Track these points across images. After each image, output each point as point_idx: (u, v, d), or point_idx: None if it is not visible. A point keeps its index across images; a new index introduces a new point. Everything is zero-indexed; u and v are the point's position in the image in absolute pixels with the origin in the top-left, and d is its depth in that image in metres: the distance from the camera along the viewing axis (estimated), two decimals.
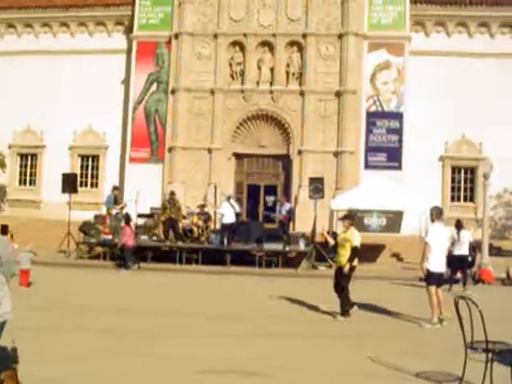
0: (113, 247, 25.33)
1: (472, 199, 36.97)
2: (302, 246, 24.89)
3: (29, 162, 40.10)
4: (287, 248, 24.85)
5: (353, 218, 14.94)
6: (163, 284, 20.85)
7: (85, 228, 26.39)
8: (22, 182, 40.28)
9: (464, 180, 37.24)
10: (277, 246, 24.45)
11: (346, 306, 14.24)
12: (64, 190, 26.59)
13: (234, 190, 36.45)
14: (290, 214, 26.26)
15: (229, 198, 27.01)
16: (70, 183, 25.92)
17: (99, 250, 26.43)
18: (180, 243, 26.01)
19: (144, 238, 28.05)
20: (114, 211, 26.56)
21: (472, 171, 37.04)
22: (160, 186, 36.38)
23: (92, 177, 39.37)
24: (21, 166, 40.29)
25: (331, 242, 15.38)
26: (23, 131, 39.73)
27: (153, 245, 25.84)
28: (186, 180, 36.07)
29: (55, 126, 38.32)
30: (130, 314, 14.42)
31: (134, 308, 15.41)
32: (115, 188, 27.52)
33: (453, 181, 37.24)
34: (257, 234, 27.18)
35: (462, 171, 37.21)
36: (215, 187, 29.57)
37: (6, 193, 39.49)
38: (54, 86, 38.54)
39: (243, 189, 36.48)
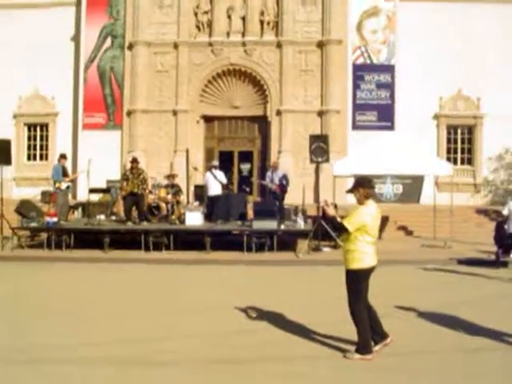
0: (60, 232, 18.65)
1: (470, 161, 30.97)
2: (300, 222, 18.42)
3: None
4: (283, 226, 18.36)
5: (370, 184, 8.18)
6: (106, 284, 14.34)
7: (22, 209, 19.49)
8: None
9: (461, 140, 31.11)
10: (270, 224, 17.93)
11: (362, 336, 7.87)
12: None
13: (203, 158, 30.02)
14: (285, 183, 19.72)
15: (214, 167, 20.75)
16: (1, 153, 18.99)
17: (44, 235, 19.68)
18: (145, 224, 19.43)
19: (100, 217, 21.36)
20: (63, 185, 19.84)
21: (470, 130, 30.95)
22: (119, 155, 29.78)
23: (41, 148, 32.38)
24: None
25: (331, 212, 8.19)
26: None
27: (110, 228, 19.09)
28: (149, 148, 29.47)
29: None
30: None
31: None
32: (62, 156, 20.66)
33: (448, 141, 31.09)
34: (240, 210, 20.74)
35: (459, 130, 31.05)
36: (187, 154, 22.82)
37: None
38: None
39: (214, 156, 29.81)
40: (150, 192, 20.82)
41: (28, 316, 10.47)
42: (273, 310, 10.49)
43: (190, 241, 19.10)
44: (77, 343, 8.72)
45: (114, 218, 21.62)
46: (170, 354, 8.22)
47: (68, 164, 27.80)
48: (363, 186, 7.92)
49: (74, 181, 20.35)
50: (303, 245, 18.24)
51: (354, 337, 7.92)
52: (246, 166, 30.60)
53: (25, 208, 19.43)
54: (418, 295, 12.17)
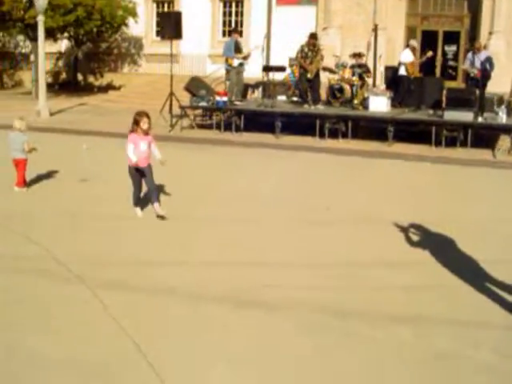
0: (229, 113, 16.65)
1: None
2: (502, 116, 14.84)
3: (165, 10, 31.43)
4: (480, 119, 14.92)
5: None
6: (268, 175, 12.03)
7: (191, 87, 17.54)
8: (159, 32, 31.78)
9: None
10: (464, 116, 14.59)
11: None
12: (163, 36, 17.68)
13: (404, 36, 26.34)
14: (489, 67, 15.88)
15: (408, 47, 17.89)
16: (170, 25, 16.88)
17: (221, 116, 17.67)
18: (321, 107, 16.81)
19: (281, 98, 19.11)
20: (235, 62, 17.60)
21: None
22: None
23: (236, 24, 30.18)
24: (157, 14, 31.70)
25: None
26: None
27: (282, 110, 16.64)
28: (345, 25, 26.24)
29: None
30: None
31: None
32: (235, 31, 18.39)
33: None
34: (434, 97, 17.35)
35: None
36: (375, 31, 19.47)
37: (142, 46, 31.29)
38: None
39: (417, 36, 25.90)
40: (333, 72, 18.08)
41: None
42: (442, 232, 7.67)
43: (371, 129, 16.35)
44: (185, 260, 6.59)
45: (295, 99, 19.16)
46: (275, 290, 5.82)
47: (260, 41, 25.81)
48: None
49: (247, 58, 17.94)
50: (504, 142, 14.81)
51: None
52: (451, 48, 26.51)
53: (194, 86, 17.48)
54: None
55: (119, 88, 29.12)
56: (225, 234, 7.61)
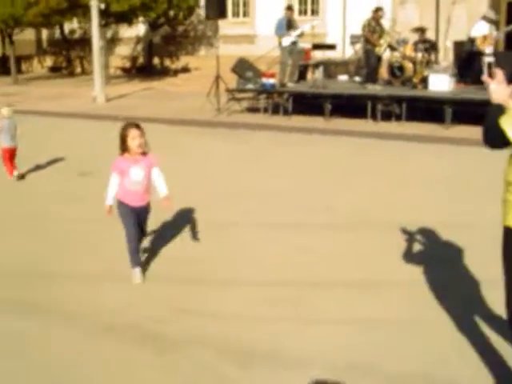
0: (276, 96, 15.36)
1: None
2: None
3: None
4: None
5: None
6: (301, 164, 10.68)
7: (237, 69, 16.27)
8: (235, 13, 30.62)
9: None
10: None
11: None
12: (208, 16, 16.45)
13: (488, 9, 24.03)
14: None
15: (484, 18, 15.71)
16: (214, 4, 15.59)
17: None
18: (378, 88, 15.20)
19: (342, 78, 17.70)
20: (286, 40, 16.11)
21: None
22: (390, 8, 25.00)
23: (313, 3, 28.60)
24: None
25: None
26: None
27: (331, 92, 15.06)
28: None
29: None
30: None
31: None
32: (288, 8, 16.87)
33: None
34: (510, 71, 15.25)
35: None
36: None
37: (217, 27, 30.27)
38: None
39: (501, 8, 23.50)
40: (394, 49, 16.40)
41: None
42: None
43: (430, 110, 14.59)
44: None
45: (357, 79, 17.56)
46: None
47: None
48: None
49: (301, 35, 16.37)
50: None
51: None
52: None
53: (240, 67, 16.23)
54: None
55: (192, 71, 28.32)
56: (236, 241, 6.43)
